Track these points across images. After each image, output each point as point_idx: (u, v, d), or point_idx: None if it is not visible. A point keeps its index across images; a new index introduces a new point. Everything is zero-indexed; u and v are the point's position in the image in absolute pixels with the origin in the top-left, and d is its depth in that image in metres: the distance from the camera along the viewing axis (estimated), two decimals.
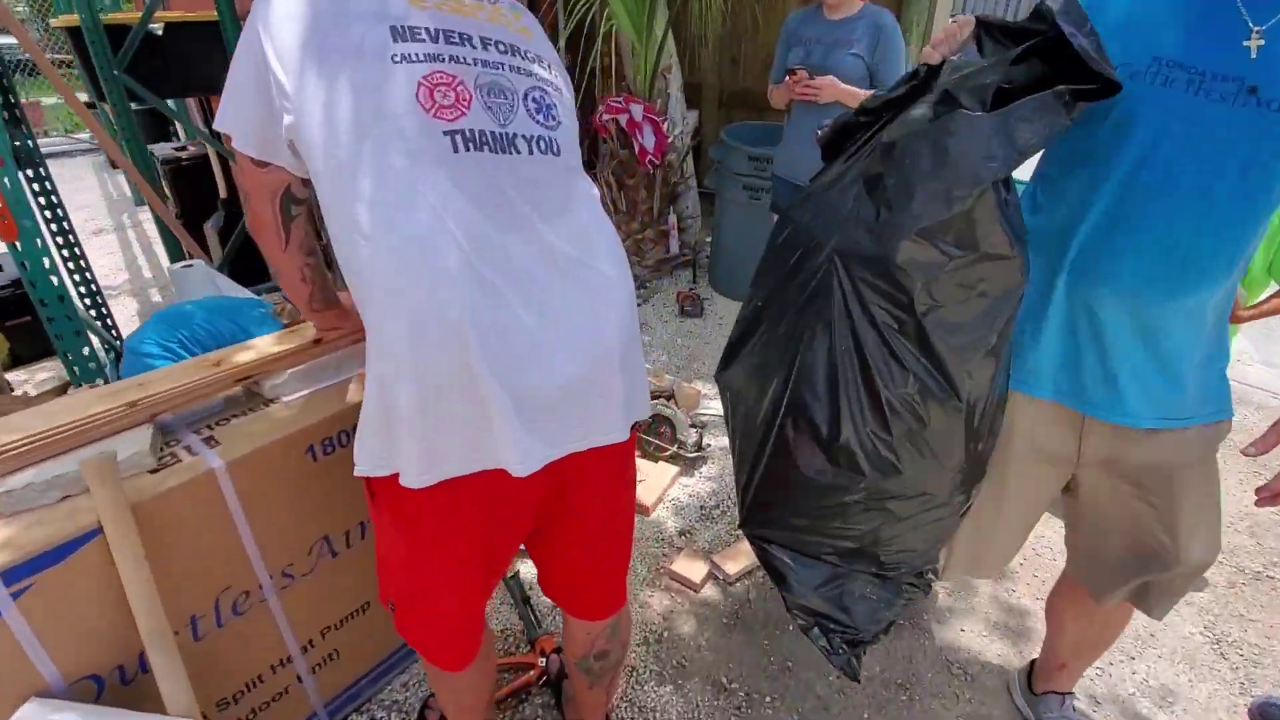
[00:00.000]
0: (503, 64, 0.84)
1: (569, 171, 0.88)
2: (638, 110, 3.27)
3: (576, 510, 0.97)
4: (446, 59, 0.79)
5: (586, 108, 3.70)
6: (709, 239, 3.83)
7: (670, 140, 3.52)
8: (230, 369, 1.16)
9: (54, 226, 2.29)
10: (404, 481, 0.79)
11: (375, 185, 0.75)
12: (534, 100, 0.86)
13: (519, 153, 0.82)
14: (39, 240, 1.52)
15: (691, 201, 4.04)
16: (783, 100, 2.32)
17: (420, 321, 0.75)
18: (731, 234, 3.46)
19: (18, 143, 2.11)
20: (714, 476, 2.21)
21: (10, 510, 0.94)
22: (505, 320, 0.77)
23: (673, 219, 3.71)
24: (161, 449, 1.08)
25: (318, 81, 0.77)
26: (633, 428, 0.96)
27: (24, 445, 0.94)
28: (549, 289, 0.81)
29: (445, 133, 0.77)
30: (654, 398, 2.34)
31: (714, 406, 2.56)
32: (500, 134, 0.81)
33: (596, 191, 0.92)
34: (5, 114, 2.04)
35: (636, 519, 2.02)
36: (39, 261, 1.55)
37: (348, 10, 0.78)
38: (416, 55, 0.78)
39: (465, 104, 0.79)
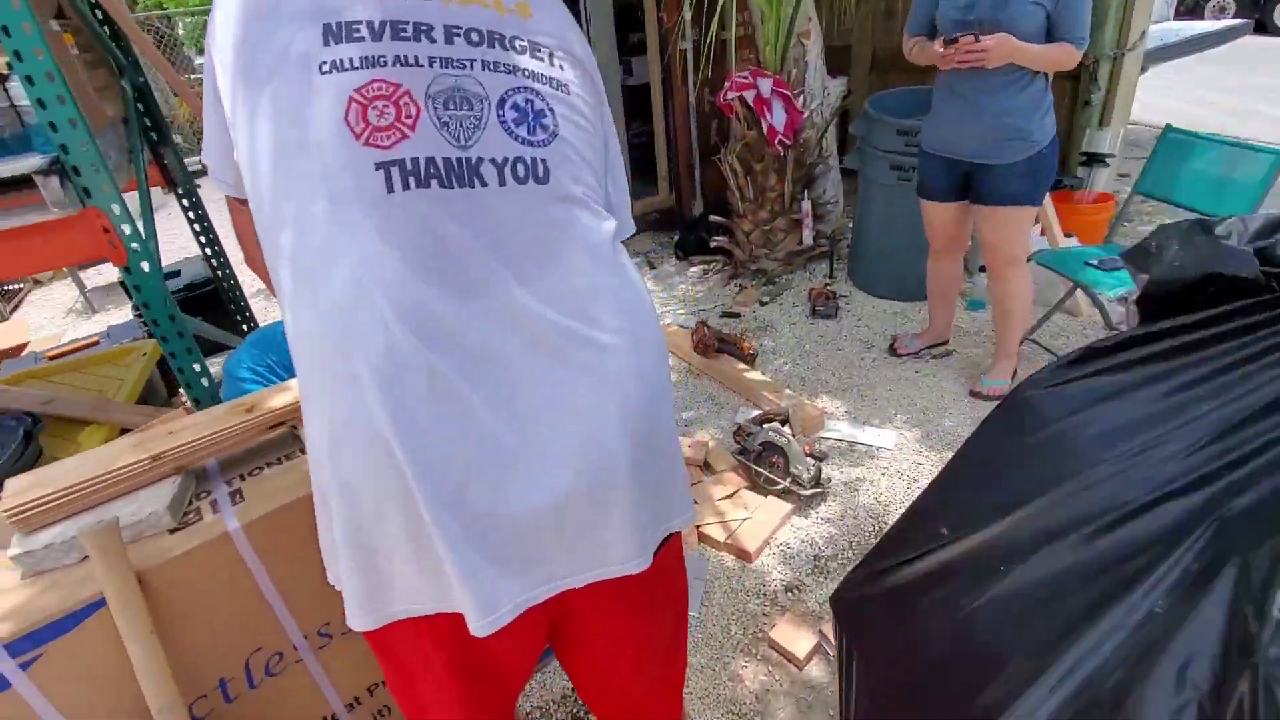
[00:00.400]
0: (472, 61, 0.61)
1: (562, 204, 0.63)
2: (766, 85, 2.90)
3: (589, 647, 0.75)
4: (390, 62, 0.58)
5: (715, 86, 3.40)
6: (851, 225, 3.37)
7: (806, 115, 3.10)
8: (262, 415, 1.08)
9: (203, 239, 2.47)
10: (348, 620, 0.62)
11: (295, 241, 0.57)
12: (514, 108, 0.62)
13: (484, 184, 0.59)
14: (147, 264, 1.57)
15: (831, 184, 3.59)
16: (928, 60, 1.87)
17: (337, 430, 0.56)
18: (876, 221, 3.00)
19: (166, 161, 2.28)
20: (832, 518, 1.88)
21: (33, 571, 0.91)
22: (455, 423, 0.56)
23: (807, 206, 3.29)
24: (193, 500, 1.02)
25: (243, 104, 0.60)
26: (667, 540, 0.71)
27: (41, 505, 0.91)
28: (523, 374, 0.59)
29: (378, 165, 0.57)
30: (767, 421, 2.04)
31: (839, 429, 2.20)
32: (458, 160, 0.58)
33: (610, 225, 0.67)
34: (154, 135, 2.21)
35: (736, 567, 1.76)
36: (151, 285, 1.61)
37: (279, 9, 0.60)
38: (350, 62, 0.58)
39: (408, 122, 0.58)
